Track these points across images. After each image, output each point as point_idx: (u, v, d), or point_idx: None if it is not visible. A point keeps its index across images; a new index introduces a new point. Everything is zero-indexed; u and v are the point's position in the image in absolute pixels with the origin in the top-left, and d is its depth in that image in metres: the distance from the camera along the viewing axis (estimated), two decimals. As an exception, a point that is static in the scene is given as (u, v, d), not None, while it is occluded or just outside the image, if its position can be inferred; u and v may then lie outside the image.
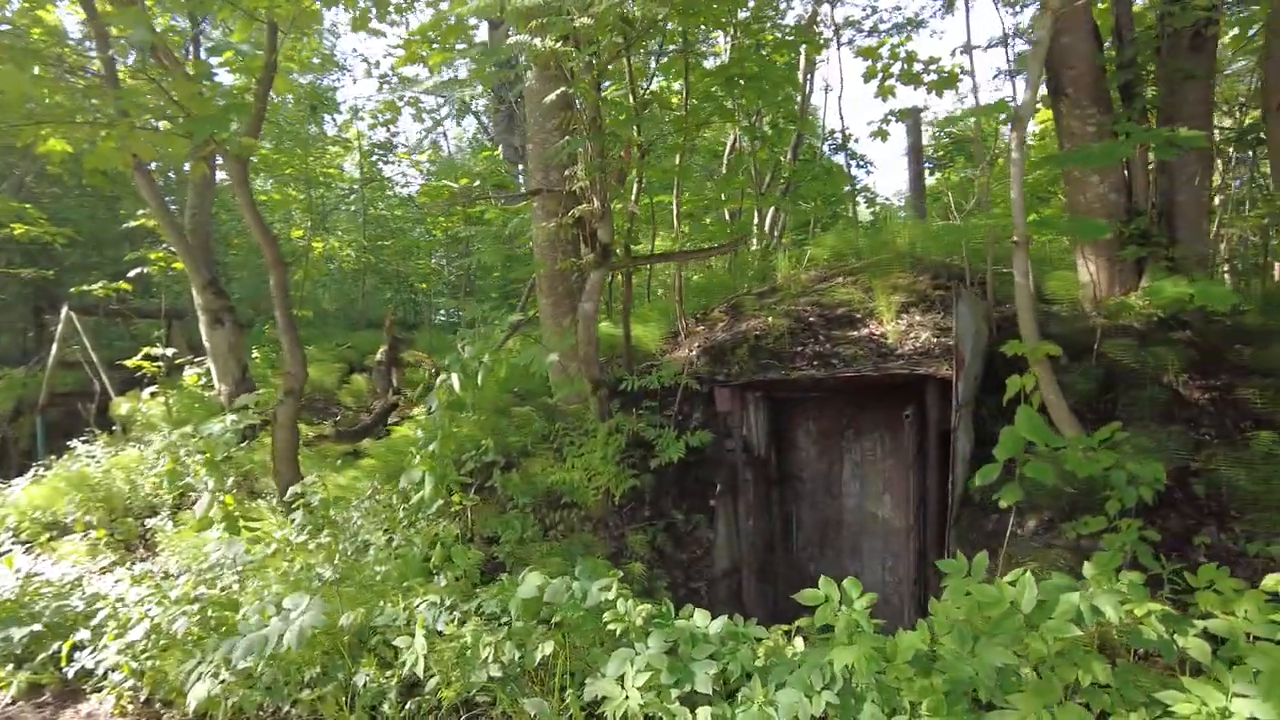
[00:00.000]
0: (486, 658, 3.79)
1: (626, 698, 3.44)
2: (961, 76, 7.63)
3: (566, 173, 5.86)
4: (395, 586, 4.68)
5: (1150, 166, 6.06)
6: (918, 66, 7.93)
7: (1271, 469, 4.38)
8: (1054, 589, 3.29)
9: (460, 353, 4.94)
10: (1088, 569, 3.54)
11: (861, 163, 8.50)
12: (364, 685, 3.81)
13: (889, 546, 6.69)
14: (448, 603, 4.32)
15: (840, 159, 11.83)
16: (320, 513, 4.62)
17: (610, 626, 3.85)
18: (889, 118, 8.28)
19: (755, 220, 9.96)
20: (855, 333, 6.48)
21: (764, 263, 8.79)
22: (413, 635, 3.95)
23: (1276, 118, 5.16)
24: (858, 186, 11.35)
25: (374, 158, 13.74)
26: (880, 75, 8.12)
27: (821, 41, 9.60)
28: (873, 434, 6.73)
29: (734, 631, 3.85)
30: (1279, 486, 4.33)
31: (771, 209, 10.06)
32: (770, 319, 7.07)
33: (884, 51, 8.03)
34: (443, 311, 13.76)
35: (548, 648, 3.75)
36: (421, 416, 7.56)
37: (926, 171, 11.32)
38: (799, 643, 3.89)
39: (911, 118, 9.88)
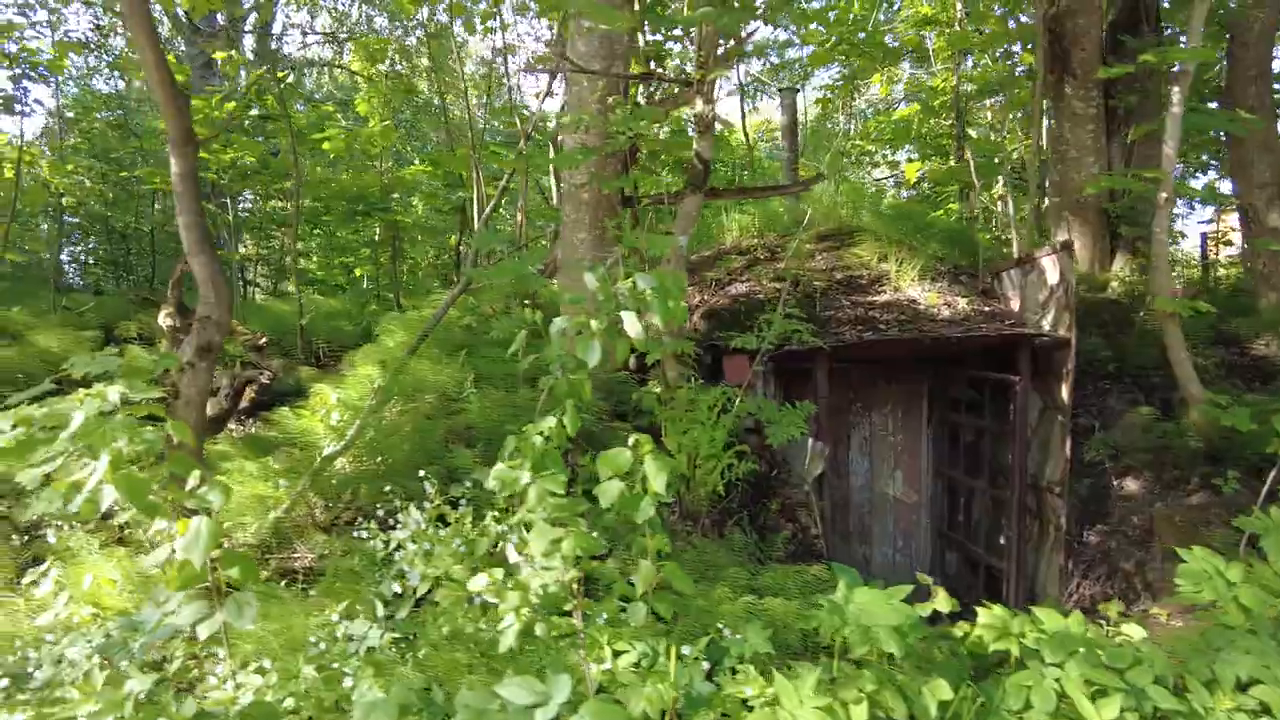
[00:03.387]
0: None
1: (1109, 739, 2.48)
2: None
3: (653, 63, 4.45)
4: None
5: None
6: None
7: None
8: None
9: (620, 285, 3.38)
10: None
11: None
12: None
13: (899, 525, 6.36)
14: (689, 652, 2.87)
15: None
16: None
17: (998, 646, 2.83)
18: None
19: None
20: (880, 298, 6.02)
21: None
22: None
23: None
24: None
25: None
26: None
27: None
28: (883, 408, 6.35)
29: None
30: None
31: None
32: (766, 282, 6.31)
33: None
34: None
35: (943, 691, 2.59)
36: (333, 394, 5.28)
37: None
38: (1135, 632, 3.27)
39: (789, 96, 9.80)
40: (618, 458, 2.99)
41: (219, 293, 3.84)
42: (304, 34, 13.98)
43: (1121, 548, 4.79)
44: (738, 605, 3.39)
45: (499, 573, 2.54)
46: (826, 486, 5.15)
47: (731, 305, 6.05)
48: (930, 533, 6.27)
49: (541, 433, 3.62)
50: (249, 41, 12.93)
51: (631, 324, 3.36)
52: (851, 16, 7.67)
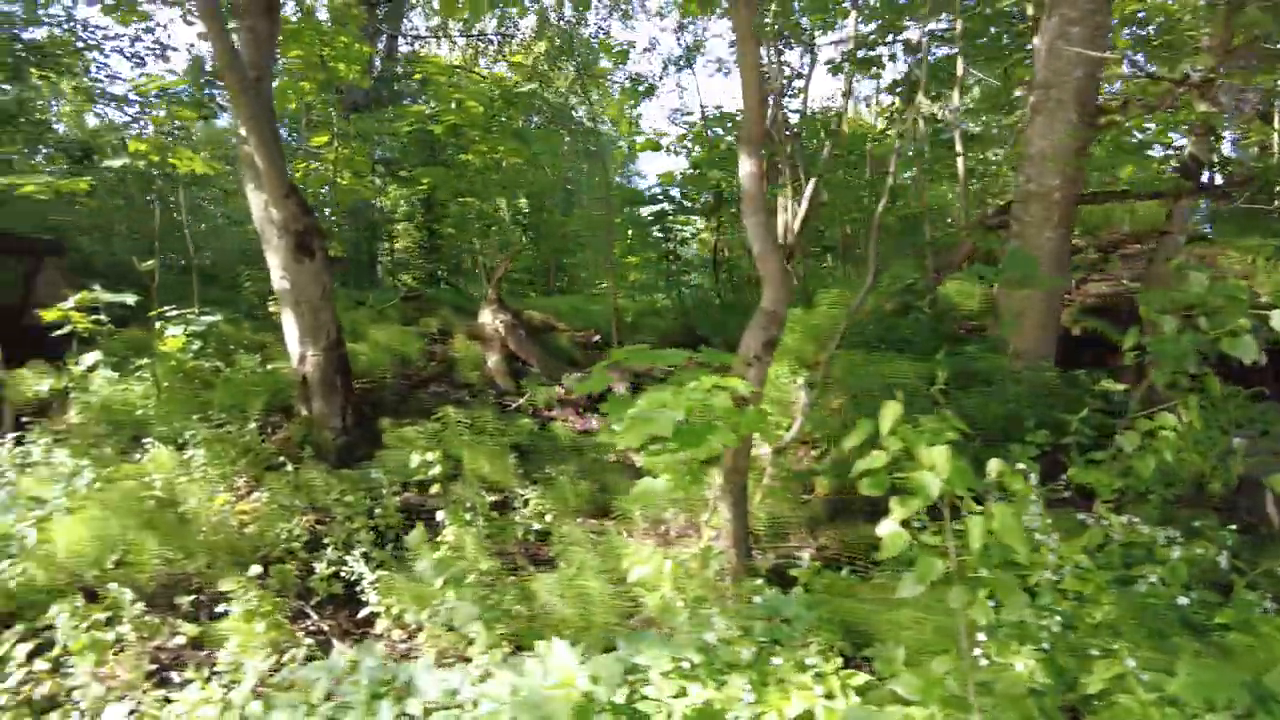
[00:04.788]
0: None
1: None
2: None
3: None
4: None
5: None
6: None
7: None
8: None
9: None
10: None
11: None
12: None
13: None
14: None
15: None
16: None
17: None
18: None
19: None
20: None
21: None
22: None
23: None
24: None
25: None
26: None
27: None
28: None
29: None
30: None
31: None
32: (1126, 281, 6.32)
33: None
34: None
35: None
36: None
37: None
38: None
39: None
40: None
41: (785, 290, 3.97)
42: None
43: None
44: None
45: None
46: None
47: (1106, 304, 6.04)
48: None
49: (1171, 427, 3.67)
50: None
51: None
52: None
